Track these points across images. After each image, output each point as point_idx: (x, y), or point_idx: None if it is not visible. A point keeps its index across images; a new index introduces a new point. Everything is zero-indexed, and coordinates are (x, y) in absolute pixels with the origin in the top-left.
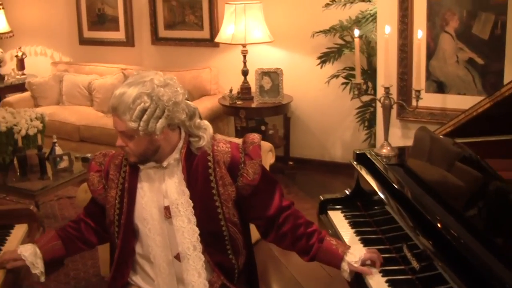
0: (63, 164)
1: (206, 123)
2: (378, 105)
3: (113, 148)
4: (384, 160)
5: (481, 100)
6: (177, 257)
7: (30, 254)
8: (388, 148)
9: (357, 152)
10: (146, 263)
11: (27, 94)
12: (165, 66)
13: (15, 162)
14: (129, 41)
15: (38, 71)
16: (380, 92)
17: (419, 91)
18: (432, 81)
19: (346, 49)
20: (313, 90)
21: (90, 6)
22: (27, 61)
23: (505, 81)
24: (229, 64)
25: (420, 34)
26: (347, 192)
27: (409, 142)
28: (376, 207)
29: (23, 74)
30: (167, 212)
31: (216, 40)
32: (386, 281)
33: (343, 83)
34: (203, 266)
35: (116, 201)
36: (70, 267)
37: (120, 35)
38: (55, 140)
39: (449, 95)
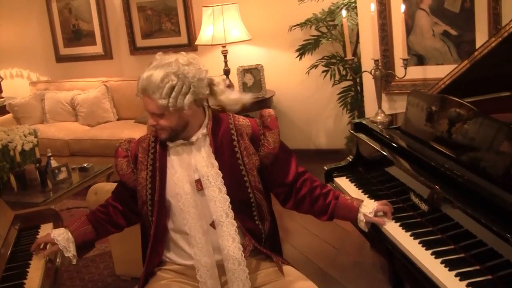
0: (62, 175)
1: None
2: (366, 78)
3: (104, 158)
4: (380, 126)
5: (460, 63)
6: (212, 225)
7: (63, 239)
8: (382, 115)
9: (355, 121)
10: (180, 237)
11: (8, 116)
12: None
13: (12, 178)
14: (107, 54)
15: (16, 93)
16: (367, 66)
17: (406, 59)
18: (412, 55)
19: (323, 39)
20: (293, 82)
21: (64, 23)
22: (3, 84)
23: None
24: (209, 66)
25: (402, 8)
26: (350, 159)
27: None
28: (377, 169)
29: (1, 97)
30: (198, 185)
31: (197, 42)
32: (400, 225)
33: (323, 71)
34: (236, 231)
35: (148, 181)
36: (84, 272)
37: (97, 49)
38: (50, 154)
39: (428, 67)
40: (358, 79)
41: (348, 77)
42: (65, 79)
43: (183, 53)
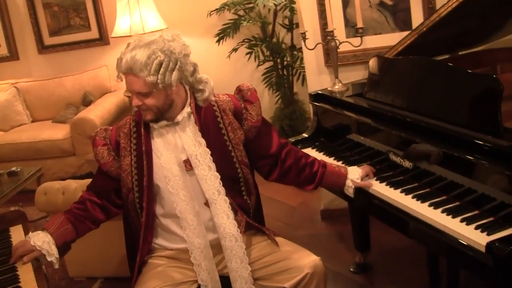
0: None
1: (206, 76)
2: (307, 53)
3: (27, 162)
4: (338, 95)
5: (410, 32)
6: (207, 204)
7: (44, 242)
8: (340, 84)
9: (312, 93)
10: (170, 221)
11: None
12: (57, 72)
13: None
14: (13, 55)
15: None
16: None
17: (362, 28)
18: (350, 27)
19: (243, 21)
20: (213, 68)
21: None
22: None
23: (412, 15)
24: None
25: None
26: (312, 130)
27: None
28: (342, 136)
29: None
30: (187, 165)
31: (113, 35)
32: (387, 184)
33: (247, 53)
34: (229, 208)
35: (132, 167)
36: None
37: (1, 50)
38: None
39: (367, 37)
40: (278, 59)
41: (269, 59)
42: None
43: (166, 30)
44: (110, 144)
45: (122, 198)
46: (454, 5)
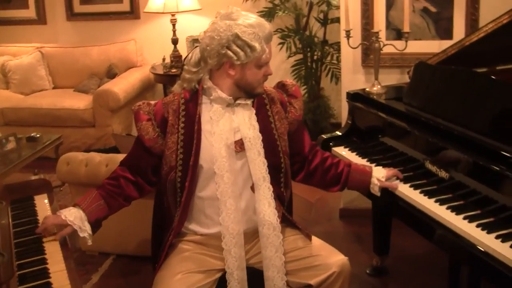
0: (10, 146)
1: None
2: (344, 50)
3: (44, 128)
4: (376, 96)
5: (455, 42)
6: (252, 188)
7: (76, 218)
8: (379, 86)
9: (351, 92)
10: (206, 204)
11: None
12: (84, 41)
13: None
14: (41, 19)
15: None
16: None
17: (408, 32)
18: (391, 29)
19: (278, 11)
20: None
21: None
22: None
23: (454, 25)
24: (156, 35)
25: None
26: (346, 129)
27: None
28: (374, 139)
29: None
30: (237, 147)
31: (146, 10)
32: (420, 192)
33: (279, 43)
34: (272, 196)
35: (178, 145)
36: None
37: (30, 13)
38: None
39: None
40: (309, 53)
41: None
42: None
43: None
44: (155, 120)
45: (158, 175)
46: (504, 22)
